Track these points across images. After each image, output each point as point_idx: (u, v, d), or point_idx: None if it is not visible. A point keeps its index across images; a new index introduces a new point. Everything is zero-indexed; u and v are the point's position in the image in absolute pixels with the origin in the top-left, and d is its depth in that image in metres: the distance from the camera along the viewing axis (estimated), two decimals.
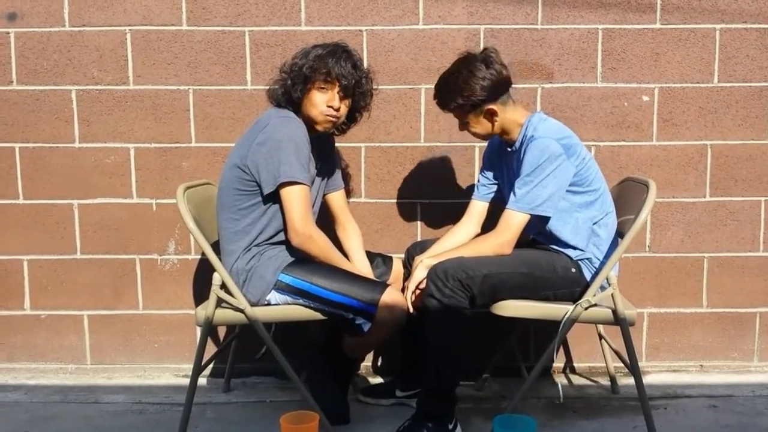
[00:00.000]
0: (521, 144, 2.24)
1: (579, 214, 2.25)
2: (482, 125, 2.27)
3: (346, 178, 2.83)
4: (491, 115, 2.24)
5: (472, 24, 2.77)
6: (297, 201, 2.22)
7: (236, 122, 2.79)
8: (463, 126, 2.31)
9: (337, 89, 2.27)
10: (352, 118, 2.42)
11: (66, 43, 2.79)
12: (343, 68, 2.25)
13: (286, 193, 2.22)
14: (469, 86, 2.19)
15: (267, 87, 2.39)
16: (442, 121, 2.81)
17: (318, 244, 2.26)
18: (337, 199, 2.55)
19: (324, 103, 2.27)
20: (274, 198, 2.25)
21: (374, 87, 2.40)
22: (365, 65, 2.38)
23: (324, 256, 2.27)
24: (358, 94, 2.34)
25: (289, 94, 2.30)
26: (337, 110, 2.29)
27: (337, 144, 2.69)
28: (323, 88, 2.27)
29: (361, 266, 2.45)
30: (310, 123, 2.31)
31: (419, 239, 2.83)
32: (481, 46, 2.74)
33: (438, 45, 2.78)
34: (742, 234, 2.87)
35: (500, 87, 2.23)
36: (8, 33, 2.79)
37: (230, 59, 2.79)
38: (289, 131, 2.22)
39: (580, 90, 2.80)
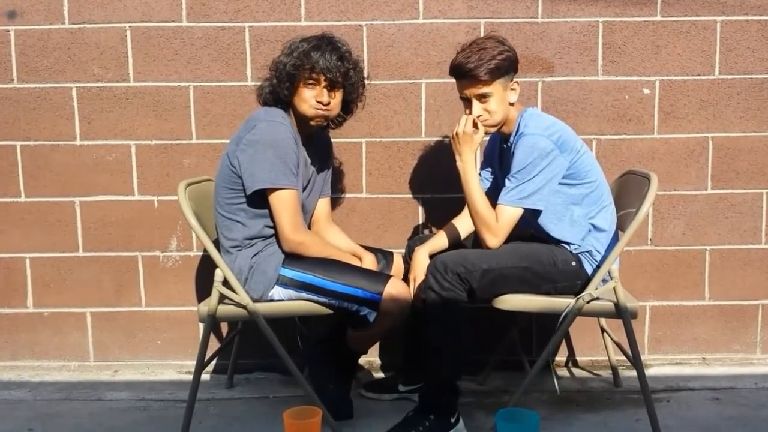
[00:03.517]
0: (514, 140, 2.24)
1: (575, 208, 2.25)
2: (503, 102, 2.21)
3: (340, 176, 2.84)
4: (513, 90, 2.23)
5: (472, 18, 2.77)
6: (284, 207, 2.22)
7: (237, 118, 2.79)
8: (483, 100, 2.19)
9: (323, 84, 2.25)
10: (347, 110, 2.40)
11: (66, 41, 2.79)
12: (328, 62, 2.22)
13: (273, 199, 2.22)
14: (500, 52, 2.17)
15: (258, 84, 2.38)
16: (443, 115, 2.80)
17: (310, 248, 2.27)
18: (321, 205, 2.52)
19: (313, 98, 2.25)
20: (260, 197, 2.24)
21: (365, 77, 2.37)
22: (354, 56, 2.34)
23: (321, 257, 2.28)
24: (348, 86, 2.31)
25: (277, 93, 2.29)
26: (327, 104, 2.27)
27: (337, 140, 2.70)
28: (311, 84, 2.25)
29: (362, 254, 2.43)
30: (302, 119, 2.30)
31: (420, 228, 2.84)
32: None
33: (438, 39, 2.77)
34: (743, 226, 2.87)
35: (517, 64, 2.25)
36: (8, 31, 2.79)
37: (230, 55, 2.79)
38: (276, 136, 2.20)
39: (581, 83, 2.80)
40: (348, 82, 2.30)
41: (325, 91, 2.26)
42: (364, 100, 2.41)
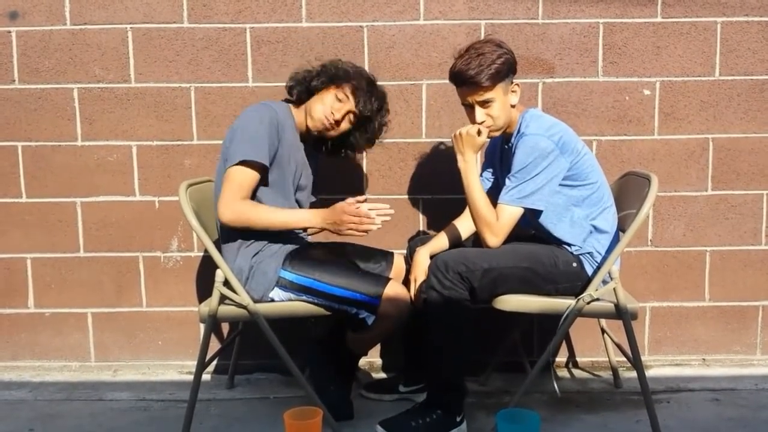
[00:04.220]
0: (515, 140, 2.24)
1: (576, 209, 2.25)
2: (505, 106, 2.20)
3: (340, 176, 2.84)
4: (513, 92, 2.23)
5: (473, 19, 2.77)
6: (236, 183, 2.19)
7: None
8: (485, 106, 2.19)
9: (350, 107, 2.31)
10: (351, 147, 2.46)
11: (67, 42, 2.79)
12: (370, 103, 2.32)
13: (231, 170, 2.20)
14: (498, 56, 2.16)
15: (280, 82, 2.44)
16: (444, 116, 2.81)
17: (242, 220, 2.21)
18: None
19: (330, 107, 2.30)
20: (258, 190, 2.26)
21: (383, 132, 2.46)
22: (388, 116, 2.45)
23: (261, 225, 2.23)
24: (362, 130, 2.39)
25: (310, 81, 2.33)
26: (337, 123, 2.32)
27: None
28: (340, 99, 2.30)
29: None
30: (306, 120, 2.34)
31: (421, 232, 2.84)
32: None
33: (439, 40, 2.78)
34: (744, 227, 2.87)
35: (516, 66, 2.24)
36: (10, 32, 2.79)
37: (231, 56, 2.79)
38: (261, 115, 2.23)
39: (582, 84, 2.80)
40: (367, 124, 2.38)
41: (345, 110, 2.31)
42: (366, 154, 2.48)
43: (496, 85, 2.17)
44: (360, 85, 2.31)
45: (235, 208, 2.19)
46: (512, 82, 2.23)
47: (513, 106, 2.24)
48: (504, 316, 2.26)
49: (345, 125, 2.35)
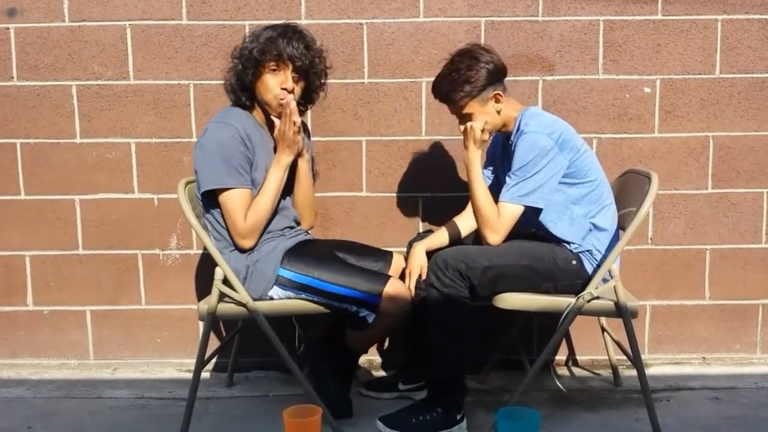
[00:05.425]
0: (514, 138, 2.24)
1: (575, 207, 2.25)
2: (487, 115, 2.23)
3: (340, 174, 2.84)
4: (497, 101, 2.24)
5: (473, 16, 2.76)
6: (231, 208, 2.22)
7: None
8: (466, 118, 2.24)
9: (290, 70, 2.26)
10: (309, 99, 2.41)
11: (66, 38, 2.78)
12: (296, 49, 2.23)
13: (221, 200, 2.23)
14: (475, 72, 2.18)
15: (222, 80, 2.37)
16: (444, 114, 2.79)
17: (260, 230, 2.26)
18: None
19: (277, 85, 2.25)
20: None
21: (328, 66, 2.38)
22: (318, 44, 2.34)
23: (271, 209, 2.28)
24: (312, 75, 2.32)
25: (242, 80, 2.28)
26: (291, 92, 2.27)
27: (337, 138, 2.70)
28: (275, 70, 2.25)
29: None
30: (266, 108, 2.30)
31: (421, 233, 2.83)
32: (482, 39, 2.75)
33: (439, 38, 2.77)
34: (744, 226, 2.86)
35: (501, 72, 2.25)
36: (8, 28, 2.78)
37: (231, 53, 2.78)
38: (220, 136, 2.21)
39: (582, 82, 2.80)
40: (312, 70, 2.31)
41: (290, 77, 2.26)
42: (326, 89, 2.41)
43: (470, 102, 2.21)
44: (278, 47, 2.23)
45: (251, 230, 2.24)
46: (494, 91, 2.23)
47: (499, 112, 2.25)
48: (503, 314, 2.25)
49: (299, 87, 2.30)
